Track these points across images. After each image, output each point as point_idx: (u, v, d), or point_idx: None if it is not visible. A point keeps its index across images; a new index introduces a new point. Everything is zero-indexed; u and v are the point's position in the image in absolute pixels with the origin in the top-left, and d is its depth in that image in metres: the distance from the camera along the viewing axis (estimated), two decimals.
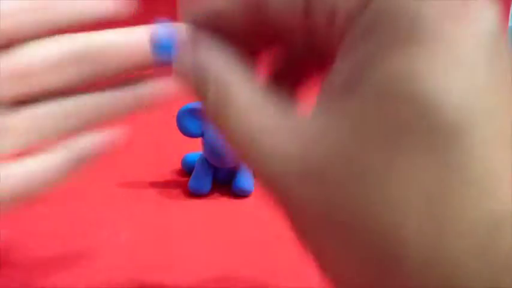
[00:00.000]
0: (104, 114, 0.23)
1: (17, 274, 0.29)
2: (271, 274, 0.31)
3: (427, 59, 0.14)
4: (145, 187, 0.38)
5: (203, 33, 0.19)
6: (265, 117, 0.17)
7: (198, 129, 0.37)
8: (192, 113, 0.36)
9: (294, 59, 0.22)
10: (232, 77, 0.18)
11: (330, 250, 0.15)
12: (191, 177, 0.38)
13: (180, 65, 0.20)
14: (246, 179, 0.37)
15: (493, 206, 0.13)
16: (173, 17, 0.21)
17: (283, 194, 0.16)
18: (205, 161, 0.38)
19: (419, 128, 0.13)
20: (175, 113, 0.36)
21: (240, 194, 0.37)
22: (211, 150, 0.37)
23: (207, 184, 0.37)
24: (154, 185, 0.38)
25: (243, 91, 0.18)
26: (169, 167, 0.41)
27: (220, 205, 0.37)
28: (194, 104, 0.36)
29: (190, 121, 0.36)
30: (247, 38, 0.19)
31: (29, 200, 0.22)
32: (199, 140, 0.37)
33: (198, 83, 0.19)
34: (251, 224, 0.35)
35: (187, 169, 0.39)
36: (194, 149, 0.39)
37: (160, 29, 0.20)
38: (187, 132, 0.37)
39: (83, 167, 0.23)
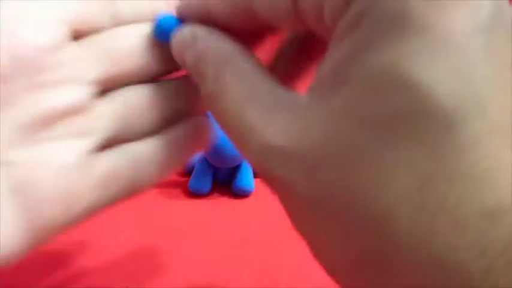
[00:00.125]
0: (184, 100, 0.22)
1: (17, 274, 0.29)
2: (271, 274, 0.31)
3: (416, 49, 0.13)
4: None
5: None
6: (261, 107, 0.17)
7: None
8: None
9: (287, 49, 0.22)
10: (232, 64, 0.18)
11: (322, 237, 0.15)
12: (191, 177, 0.38)
13: (179, 45, 0.20)
14: (246, 179, 0.37)
15: (488, 197, 0.13)
16: None
17: (277, 182, 0.16)
18: (205, 161, 0.38)
19: (411, 118, 0.13)
20: None
21: (240, 194, 0.37)
22: (211, 150, 0.37)
23: (207, 184, 0.37)
24: (154, 184, 0.38)
25: (241, 79, 0.17)
26: None
27: (220, 205, 0.37)
28: None
29: None
30: (239, 33, 0.19)
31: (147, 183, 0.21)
32: None
33: (197, 67, 0.19)
34: (251, 224, 0.35)
35: (187, 169, 0.39)
36: None
37: (163, 13, 0.21)
38: None
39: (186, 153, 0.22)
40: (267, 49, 0.21)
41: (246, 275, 0.31)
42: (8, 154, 0.18)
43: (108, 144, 0.20)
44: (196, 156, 0.38)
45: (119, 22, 0.21)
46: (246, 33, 0.19)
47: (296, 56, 0.21)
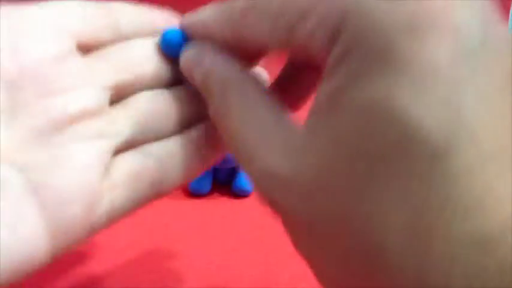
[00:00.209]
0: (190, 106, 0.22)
1: None
2: (271, 274, 0.31)
3: (402, 83, 0.13)
4: None
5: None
6: (263, 131, 0.17)
7: None
8: None
9: (291, 68, 0.22)
10: (236, 85, 0.19)
11: (320, 260, 0.15)
12: None
13: (188, 63, 0.20)
14: (246, 179, 0.37)
15: (478, 226, 0.13)
16: None
17: (276, 205, 0.16)
18: None
19: (401, 150, 0.13)
20: None
21: (240, 194, 0.37)
22: None
23: (207, 184, 0.37)
24: None
25: (245, 102, 0.18)
26: None
27: (220, 205, 0.37)
28: None
29: None
30: (238, 50, 0.19)
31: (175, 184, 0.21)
32: None
33: (205, 84, 0.20)
34: (251, 224, 0.35)
35: None
36: None
37: (169, 27, 0.21)
38: None
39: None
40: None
41: (246, 275, 0.31)
42: (24, 158, 0.18)
43: (126, 148, 0.20)
44: None
45: (120, 36, 0.21)
46: (249, 51, 0.20)
47: (300, 76, 0.22)
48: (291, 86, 0.22)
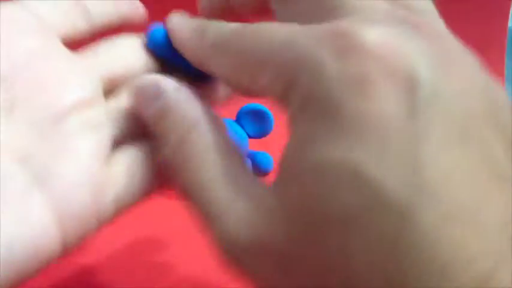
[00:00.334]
0: None
1: None
2: None
3: (357, 142, 0.13)
4: None
5: (173, 78, 0.19)
6: (225, 190, 0.16)
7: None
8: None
9: None
10: (197, 134, 0.17)
11: None
12: None
13: (142, 93, 0.19)
14: None
15: (452, 283, 0.12)
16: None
17: (235, 262, 0.16)
18: None
19: (364, 212, 0.13)
20: None
21: None
22: None
23: None
24: None
25: (206, 154, 0.17)
26: None
27: None
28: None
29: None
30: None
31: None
32: None
33: (159, 126, 0.18)
34: None
35: None
36: None
37: (154, 26, 0.21)
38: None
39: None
40: None
41: None
42: (26, 151, 0.17)
43: (124, 139, 0.20)
44: None
45: (93, 26, 0.21)
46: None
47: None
48: None
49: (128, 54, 0.21)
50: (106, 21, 0.22)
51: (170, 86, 0.18)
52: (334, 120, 0.13)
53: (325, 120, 0.14)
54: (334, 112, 0.14)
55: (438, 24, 0.16)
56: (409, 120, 0.13)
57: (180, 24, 0.20)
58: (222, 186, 0.16)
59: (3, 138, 0.17)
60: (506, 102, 0.15)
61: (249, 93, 0.17)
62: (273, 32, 0.16)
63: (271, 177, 0.16)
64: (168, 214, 0.36)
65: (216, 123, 0.17)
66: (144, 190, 0.20)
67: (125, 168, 0.19)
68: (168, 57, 0.21)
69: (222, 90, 0.22)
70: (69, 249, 0.18)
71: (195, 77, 0.21)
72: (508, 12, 0.45)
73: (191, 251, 0.32)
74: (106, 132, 0.19)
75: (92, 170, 0.18)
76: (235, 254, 0.16)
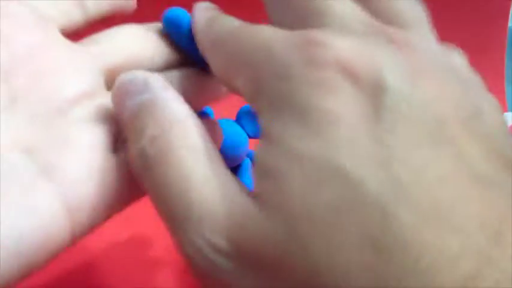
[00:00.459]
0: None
1: None
2: None
3: (330, 143, 0.13)
4: None
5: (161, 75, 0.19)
6: (204, 192, 0.15)
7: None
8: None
9: None
10: (180, 130, 0.16)
11: None
12: None
13: (125, 87, 0.18)
14: (246, 179, 0.37)
15: (438, 284, 0.12)
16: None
17: (209, 269, 0.15)
18: None
19: (346, 208, 0.13)
20: None
21: None
22: None
23: None
24: None
25: (186, 151, 0.16)
26: None
27: None
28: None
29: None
30: None
31: None
32: None
33: (137, 118, 0.17)
34: None
35: None
36: None
37: (170, 9, 0.21)
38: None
39: None
40: None
41: None
42: (30, 143, 0.18)
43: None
44: None
45: (88, 16, 0.21)
46: None
47: None
48: None
49: (130, 44, 0.21)
50: (101, 11, 0.22)
51: (159, 83, 0.18)
52: (303, 120, 0.14)
53: (293, 119, 0.14)
54: (302, 112, 0.14)
55: (421, 37, 0.17)
56: (374, 123, 0.13)
57: (201, 11, 0.20)
58: (201, 187, 0.15)
59: (7, 130, 0.17)
60: (492, 113, 0.15)
61: (233, 92, 0.18)
62: (257, 36, 0.17)
63: None
64: None
65: (201, 128, 0.17)
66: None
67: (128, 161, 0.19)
68: (180, 40, 0.22)
69: None
70: (77, 238, 0.18)
71: (204, 66, 0.21)
72: (508, 12, 0.45)
73: None
74: (109, 122, 0.19)
75: (95, 163, 0.18)
76: (211, 259, 0.15)
